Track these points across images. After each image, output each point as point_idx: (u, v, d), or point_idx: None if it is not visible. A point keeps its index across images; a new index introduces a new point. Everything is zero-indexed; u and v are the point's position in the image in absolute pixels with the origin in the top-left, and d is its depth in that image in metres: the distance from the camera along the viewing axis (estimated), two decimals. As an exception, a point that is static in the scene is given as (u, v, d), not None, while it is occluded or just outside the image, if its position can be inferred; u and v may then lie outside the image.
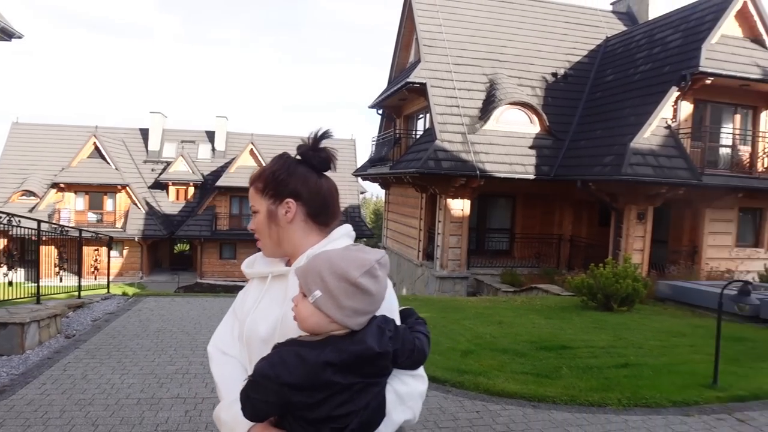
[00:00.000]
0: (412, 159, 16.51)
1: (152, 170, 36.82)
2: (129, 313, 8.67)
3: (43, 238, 9.42)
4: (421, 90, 16.92)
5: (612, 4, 22.94)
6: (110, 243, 13.40)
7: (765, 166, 15.57)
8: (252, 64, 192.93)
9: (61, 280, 10.27)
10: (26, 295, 8.29)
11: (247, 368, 1.69)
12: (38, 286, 8.42)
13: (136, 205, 32.49)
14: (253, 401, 1.41)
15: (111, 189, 32.35)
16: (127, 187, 32.21)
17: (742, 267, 15.73)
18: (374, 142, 22.37)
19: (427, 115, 17.48)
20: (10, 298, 7.66)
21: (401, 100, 19.86)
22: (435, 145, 15.37)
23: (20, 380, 5.22)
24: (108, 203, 32.78)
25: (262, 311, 1.70)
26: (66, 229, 10.51)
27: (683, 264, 15.13)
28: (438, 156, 15.24)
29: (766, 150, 15.66)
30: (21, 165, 34.50)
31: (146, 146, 38.06)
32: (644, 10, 21.15)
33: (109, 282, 12.58)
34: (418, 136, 18.89)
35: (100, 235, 12.70)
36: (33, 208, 30.78)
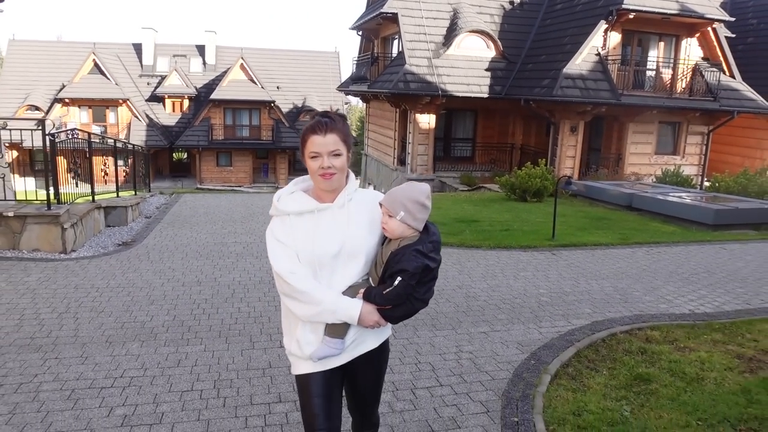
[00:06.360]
0: (386, 80, 19.46)
1: (148, 84, 39.12)
2: (178, 204, 12.18)
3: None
4: (393, 18, 19.60)
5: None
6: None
7: (683, 87, 18.63)
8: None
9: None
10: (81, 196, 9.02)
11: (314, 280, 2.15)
12: (93, 190, 9.46)
13: (137, 117, 35.19)
14: (400, 288, 2.16)
15: (113, 103, 34.98)
16: (128, 101, 34.80)
17: (659, 172, 19.19)
18: (355, 62, 25.09)
19: (400, 38, 20.14)
20: (75, 200, 8.56)
21: (378, 25, 22.43)
22: (404, 68, 18.29)
23: (138, 237, 8.66)
24: (111, 116, 35.46)
25: (326, 235, 2.17)
26: (110, 140, 13.40)
27: (610, 168, 18.55)
28: (407, 78, 18.20)
29: (684, 73, 18.68)
30: (22, 81, 36.43)
31: (140, 61, 40.09)
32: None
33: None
34: (393, 56, 21.64)
35: (137, 147, 15.61)
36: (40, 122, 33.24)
